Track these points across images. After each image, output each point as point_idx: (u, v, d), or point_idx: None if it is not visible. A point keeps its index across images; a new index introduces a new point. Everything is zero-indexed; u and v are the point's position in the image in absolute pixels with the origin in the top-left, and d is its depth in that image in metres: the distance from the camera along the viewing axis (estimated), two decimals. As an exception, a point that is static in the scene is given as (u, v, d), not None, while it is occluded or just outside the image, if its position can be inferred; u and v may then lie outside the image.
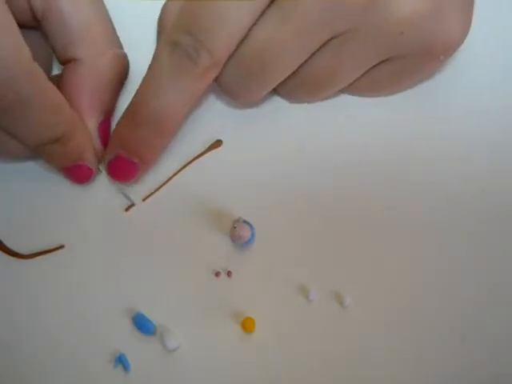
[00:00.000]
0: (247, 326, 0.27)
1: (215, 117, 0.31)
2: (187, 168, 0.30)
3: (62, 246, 0.28)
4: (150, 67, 0.25)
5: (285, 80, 0.27)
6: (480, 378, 0.27)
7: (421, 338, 0.27)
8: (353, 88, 0.29)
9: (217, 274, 0.28)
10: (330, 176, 0.29)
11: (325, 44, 0.25)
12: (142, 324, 0.27)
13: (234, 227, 0.27)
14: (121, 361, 0.26)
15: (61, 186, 0.29)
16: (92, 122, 0.28)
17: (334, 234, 0.29)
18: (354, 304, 0.27)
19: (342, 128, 0.30)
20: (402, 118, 0.30)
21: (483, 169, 0.29)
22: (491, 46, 0.31)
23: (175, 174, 0.30)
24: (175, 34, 0.24)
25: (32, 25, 0.28)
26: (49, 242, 0.28)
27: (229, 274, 0.28)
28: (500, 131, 0.30)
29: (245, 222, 0.27)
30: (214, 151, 0.30)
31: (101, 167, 0.29)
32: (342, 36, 0.25)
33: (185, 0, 0.24)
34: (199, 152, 0.30)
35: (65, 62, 0.28)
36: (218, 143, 0.30)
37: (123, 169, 0.27)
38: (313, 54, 0.26)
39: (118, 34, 0.29)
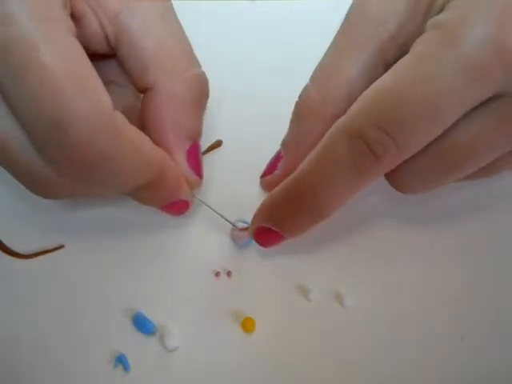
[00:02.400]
0: (247, 326, 0.27)
1: (215, 117, 0.31)
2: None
3: (61, 246, 0.28)
4: (321, 155, 0.23)
5: (409, 163, 0.23)
6: (480, 378, 0.27)
7: (421, 338, 0.27)
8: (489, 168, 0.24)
9: (217, 274, 0.28)
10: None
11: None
12: (142, 324, 0.27)
13: (235, 228, 0.27)
14: (121, 361, 0.26)
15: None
16: (180, 153, 0.26)
17: (334, 233, 0.29)
18: (354, 304, 0.27)
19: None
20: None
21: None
22: None
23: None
24: (361, 126, 0.22)
25: (107, 52, 0.26)
26: (49, 242, 0.28)
27: (229, 274, 0.28)
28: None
29: (245, 222, 0.27)
30: (214, 151, 0.30)
31: (195, 194, 0.28)
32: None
33: (375, 91, 0.22)
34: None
35: (143, 90, 0.26)
36: (218, 143, 0.30)
37: (270, 238, 0.26)
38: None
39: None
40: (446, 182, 0.24)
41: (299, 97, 0.26)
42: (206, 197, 0.29)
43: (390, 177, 0.24)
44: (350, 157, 0.22)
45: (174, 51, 0.25)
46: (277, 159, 0.28)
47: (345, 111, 0.23)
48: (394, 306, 0.27)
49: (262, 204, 0.26)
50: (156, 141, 0.24)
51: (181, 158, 0.26)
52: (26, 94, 0.20)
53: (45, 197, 0.24)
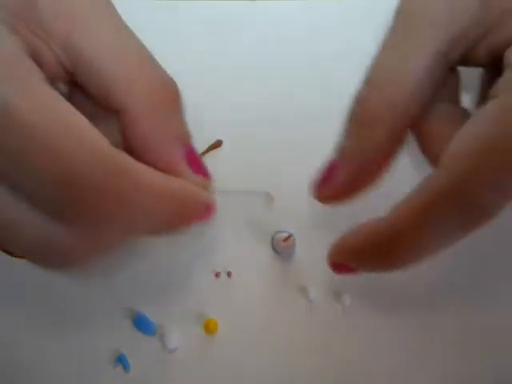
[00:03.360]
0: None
1: (215, 117, 0.31)
2: (187, 168, 0.30)
3: (61, 246, 0.28)
4: (425, 210, 0.21)
5: None
6: (480, 379, 0.27)
7: (421, 338, 0.27)
8: None
9: (217, 274, 0.28)
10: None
11: None
12: (142, 324, 0.27)
13: (279, 240, 0.27)
14: (121, 361, 0.26)
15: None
16: (180, 163, 0.24)
17: (335, 234, 0.29)
18: (354, 304, 0.27)
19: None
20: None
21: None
22: None
23: (175, 173, 0.30)
24: (473, 186, 0.20)
25: (68, 82, 0.23)
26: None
27: (229, 274, 0.28)
28: None
29: (285, 232, 0.27)
30: (214, 151, 0.30)
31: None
32: None
33: (478, 142, 0.20)
34: (199, 152, 0.30)
35: (118, 114, 0.23)
36: (217, 143, 0.30)
37: (347, 271, 0.24)
38: None
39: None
40: None
41: (357, 103, 0.24)
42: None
43: None
44: (460, 217, 0.20)
45: (133, 64, 0.23)
46: (331, 168, 0.25)
47: (411, 119, 0.22)
48: (393, 305, 0.27)
49: (346, 240, 0.24)
50: (150, 161, 0.22)
51: (183, 167, 0.24)
52: (15, 157, 0.18)
53: (63, 267, 0.23)
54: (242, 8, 0.34)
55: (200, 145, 0.30)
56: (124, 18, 0.28)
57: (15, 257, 0.28)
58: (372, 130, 0.24)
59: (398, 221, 0.22)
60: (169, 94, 0.24)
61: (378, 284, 0.28)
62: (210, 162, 0.30)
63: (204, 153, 0.30)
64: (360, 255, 0.23)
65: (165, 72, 0.24)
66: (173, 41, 0.33)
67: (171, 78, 0.24)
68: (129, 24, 0.28)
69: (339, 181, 0.25)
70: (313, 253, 0.28)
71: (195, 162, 0.25)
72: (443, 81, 0.24)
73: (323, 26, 0.34)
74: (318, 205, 0.29)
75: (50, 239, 0.20)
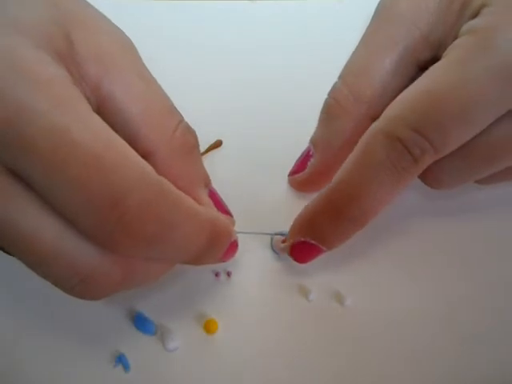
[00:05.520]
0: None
1: (215, 117, 0.31)
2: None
3: (62, 246, 0.28)
4: (360, 160, 0.23)
5: (441, 161, 0.24)
6: (480, 378, 0.27)
7: (421, 338, 0.27)
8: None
9: (217, 274, 0.28)
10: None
11: None
12: (142, 324, 0.27)
13: (277, 241, 0.27)
14: (121, 361, 0.26)
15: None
16: (209, 204, 0.25)
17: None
18: (354, 304, 0.27)
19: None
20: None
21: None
22: None
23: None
24: (398, 129, 0.22)
25: None
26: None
27: (229, 274, 0.28)
28: None
29: (283, 234, 0.27)
30: (214, 151, 0.30)
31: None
32: None
33: (412, 94, 0.22)
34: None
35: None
36: (217, 143, 0.30)
37: (307, 252, 0.26)
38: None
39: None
40: (477, 178, 0.25)
41: (329, 95, 0.26)
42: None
43: (422, 174, 0.24)
44: (389, 160, 0.22)
45: (159, 111, 0.23)
46: (306, 157, 0.27)
47: (377, 110, 0.23)
48: (393, 306, 0.27)
49: (298, 217, 0.25)
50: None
51: (210, 206, 0.25)
52: (68, 181, 0.18)
53: (87, 295, 0.21)
54: (242, 8, 0.34)
55: (200, 145, 0.30)
56: (124, 18, 0.29)
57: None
58: (340, 120, 0.26)
59: (339, 178, 0.24)
60: (193, 141, 0.24)
61: (378, 284, 0.28)
62: (210, 162, 0.30)
63: (204, 153, 0.30)
64: (318, 221, 0.24)
65: (185, 121, 0.24)
66: (173, 41, 0.33)
67: (190, 126, 0.25)
68: (129, 25, 0.28)
69: (311, 168, 0.27)
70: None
71: (218, 202, 0.26)
72: (412, 78, 0.25)
73: (323, 26, 0.34)
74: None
75: (80, 265, 0.20)
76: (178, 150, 0.24)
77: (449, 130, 0.21)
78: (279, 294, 0.28)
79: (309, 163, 0.27)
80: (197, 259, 0.23)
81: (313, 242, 0.25)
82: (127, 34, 0.27)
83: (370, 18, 0.26)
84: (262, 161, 0.30)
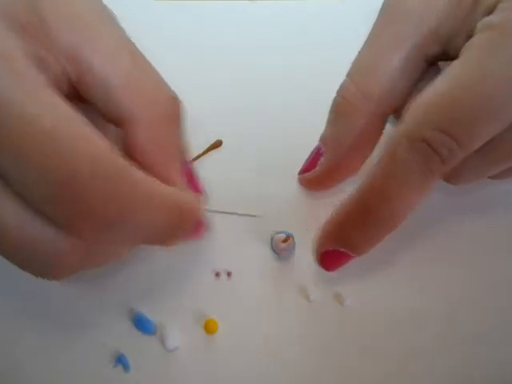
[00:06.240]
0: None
1: (215, 117, 0.31)
2: (187, 168, 0.30)
3: (61, 246, 0.28)
4: (388, 163, 0.23)
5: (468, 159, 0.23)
6: (480, 378, 0.27)
7: (421, 338, 0.27)
8: None
9: (217, 274, 0.28)
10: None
11: None
12: (142, 324, 0.27)
13: (278, 241, 0.27)
14: (121, 361, 0.26)
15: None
16: (178, 177, 0.24)
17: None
18: (354, 304, 0.27)
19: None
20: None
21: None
22: None
23: (175, 174, 0.30)
24: (424, 131, 0.22)
25: (70, 94, 0.23)
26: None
27: (229, 274, 0.28)
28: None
29: (283, 233, 0.27)
30: (213, 151, 0.30)
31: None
32: None
33: (434, 95, 0.22)
34: (199, 152, 0.30)
35: (117, 124, 0.23)
36: (218, 143, 0.30)
37: (336, 260, 0.25)
38: None
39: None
40: (495, 173, 0.25)
41: (338, 93, 0.26)
42: (207, 196, 0.29)
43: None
44: (417, 162, 0.22)
45: (142, 79, 0.23)
46: (316, 156, 0.27)
47: (386, 107, 0.24)
48: (393, 306, 0.27)
49: (325, 225, 0.25)
50: (147, 172, 0.22)
51: (179, 181, 0.24)
52: (17, 159, 0.18)
53: (50, 275, 0.22)
54: (242, 8, 0.34)
55: (200, 145, 0.30)
56: (124, 18, 0.28)
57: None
58: (349, 118, 0.26)
59: (368, 183, 0.23)
60: (172, 109, 0.24)
61: (378, 284, 0.28)
62: (210, 162, 0.30)
63: (204, 153, 0.30)
64: (347, 228, 0.24)
65: (169, 88, 0.24)
66: (173, 41, 0.33)
67: (175, 94, 0.24)
68: (129, 24, 0.28)
69: (322, 166, 0.27)
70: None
71: (191, 178, 0.25)
72: (421, 74, 0.25)
73: (323, 26, 0.34)
74: (317, 205, 0.29)
75: (40, 245, 0.20)
76: (159, 118, 0.23)
77: (474, 127, 0.21)
78: (279, 294, 0.28)
79: (319, 162, 0.27)
80: (160, 241, 0.23)
81: (342, 249, 0.25)
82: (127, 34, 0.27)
83: (371, 17, 0.26)
84: (262, 161, 0.30)
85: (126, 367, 0.26)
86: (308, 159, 0.28)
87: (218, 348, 0.27)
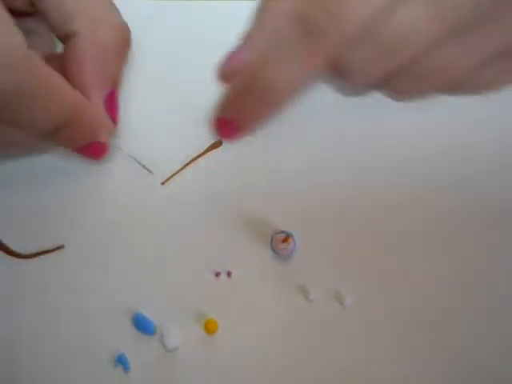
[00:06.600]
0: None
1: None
2: (187, 168, 0.30)
3: (61, 246, 0.28)
4: (269, 38, 0.24)
5: (399, 72, 0.25)
6: (480, 378, 0.27)
7: (421, 338, 0.27)
8: (464, 84, 0.27)
9: (217, 274, 0.28)
10: (329, 174, 0.30)
11: (461, 32, 0.24)
12: (142, 324, 0.27)
13: (277, 240, 0.27)
14: (121, 361, 0.26)
15: (61, 186, 0.29)
16: (99, 97, 0.27)
17: (334, 234, 0.29)
18: (354, 304, 0.27)
19: (342, 123, 0.30)
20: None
21: None
22: None
23: (175, 174, 0.30)
24: (304, 8, 0.23)
25: (26, 10, 0.27)
26: (49, 242, 0.28)
27: (229, 274, 0.28)
28: None
29: (283, 233, 0.27)
30: (213, 151, 0.30)
31: (117, 144, 0.29)
32: (480, 24, 0.23)
33: None
34: (199, 152, 0.30)
35: (65, 38, 0.27)
36: (218, 143, 0.30)
37: (226, 130, 0.27)
38: (446, 42, 0.24)
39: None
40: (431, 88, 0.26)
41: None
42: (206, 197, 0.29)
43: (386, 86, 0.26)
44: (299, 38, 0.23)
45: (95, 1, 0.26)
46: (237, 50, 0.28)
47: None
48: (394, 305, 0.27)
49: (222, 96, 0.27)
50: (76, 85, 0.25)
51: (99, 102, 0.27)
52: None
53: None
54: (242, 8, 0.34)
55: (200, 145, 0.30)
56: (124, 18, 0.29)
57: (18, 258, 0.28)
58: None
59: (254, 56, 0.25)
60: (122, 37, 0.27)
61: (378, 284, 0.28)
62: (210, 162, 0.30)
63: (204, 153, 0.30)
64: (234, 99, 0.26)
65: (121, 17, 0.27)
66: (172, 40, 0.33)
67: (127, 25, 0.28)
68: (129, 24, 0.29)
69: (244, 57, 0.27)
70: (312, 253, 0.28)
71: (112, 105, 0.28)
72: None
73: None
74: (318, 205, 0.29)
75: None
76: (103, 40, 0.26)
77: (351, 5, 0.22)
78: (279, 294, 0.28)
79: (237, 57, 0.27)
80: (52, 134, 0.25)
81: (229, 118, 0.26)
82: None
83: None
84: (262, 161, 0.30)
85: (125, 367, 0.26)
86: (227, 55, 0.28)
87: (218, 348, 0.27)
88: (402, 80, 0.26)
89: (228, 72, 0.28)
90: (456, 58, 0.25)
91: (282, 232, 0.27)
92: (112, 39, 0.27)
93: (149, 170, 0.29)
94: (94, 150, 0.27)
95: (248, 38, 0.28)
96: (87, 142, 0.27)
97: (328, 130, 0.31)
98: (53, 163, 0.30)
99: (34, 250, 0.28)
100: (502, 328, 0.27)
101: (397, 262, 0.28)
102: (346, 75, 0.26)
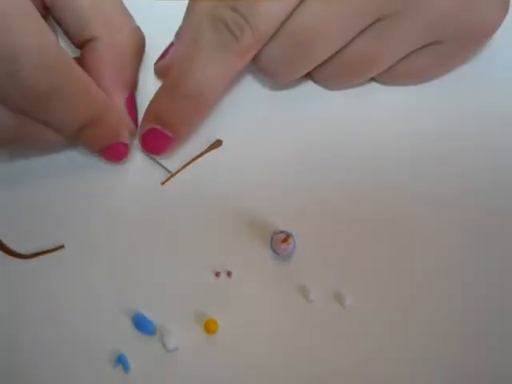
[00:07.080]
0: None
1: (215, 117, 0.31)
2: (187, 168, 0.30)
3: (61, 246, 0.28)
4: (191, 42, 0.26)
5: (323, 64, 0.27)
6: (480, 378, 0.26)
7: (421, 338, 0.27)
8: (388, 75, 0.29)
9: (217, 274, 0.28)
10: (329, 174, 0.30)
11: (368, 26, 0.25)
12: (142, 324, 0.27)
13: (277, 240, 0.27)
14: (121, 361, 0.26)
15: (61, 186, 0.29)
16: (119, 99, 0.28)
17: (334, 234, 0.29)
18: (354, 304, 0.27)
19: (341, 123, 0.30)
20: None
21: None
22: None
23: (174, 174, 0.30)
24: (219, 10, 0.24)
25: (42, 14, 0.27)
26: (49, 242, 0.28)
27: (229, 274, 0.28)
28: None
29: (283, 233, 0.27)
30: (214, 151, 0.30)
31: (135, 144, 0.29)
32: (387, 19, 0.25)
33: None
34: (199, 152, 0.30)
35: (82, 45, 0.28)
36: (218, 143, 0.30)
37: (157, 141, 0.28)
38: (355, 36, 0.26)
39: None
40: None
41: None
42: (206, 197, 0.29)
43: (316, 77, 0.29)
44: (214, 39, 0.25)
45: (111, 8, 0.27)
46: (170, 47, 0.29)
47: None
48: (394, 305, 0.27)
49: (148, 106, 0.28)
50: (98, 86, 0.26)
51: (120, 101, 0.28)
52: None
53: None
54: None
55: (200, 145, 0.30)
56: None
57: (18, 258, 0.28)
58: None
59: (175, 71, 0.27)
60: (137, 42, 0.29)
61: (378, 284, 0.28)
62: (210, 162, 0.30)
63: (204, 153, 0.30)
64: (161, 105, 0.27)
65: (135, 21, 0.29)
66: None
67: (141, 30, 0.29)
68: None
69: (170, 56, 0.29)
70: (312, 253, 0.28)
71: (132, 108, 0.29)
72: None
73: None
74: (318, 205, 0.29)
75: None
76: (120, 45, 0.27)
77: (260, 6, 0.23)
78: (279, 294, 0.28)
79: (170, 51, 0.29)
80: (77, 133, 0.26)
81: (158, 127, 0.27)
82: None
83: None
84: (263, 161, 0.30)
85: (125, 367, 0.26)
86: (164, 51, 0.30)
87: (218, 348, 0.27)
88: (325, 70, 0.28)
89: (160, 67, 0.30)
90: (372, 48, 0.26)
91: (282, 232, 0.27)
92: (128, 43, 0.28)
93: (168, 171, 0.29)
94: (116, 150, 0.28)
95: (177, 36, 0.29)
96: (110, 143, 0.27)
97: (328, 130, 0.31)
98: (53, 163, 0.30)
99: (34, 250, 0.28)
100: (502, 328, 0.27)
101: (397, 262, 0.28)
102: (268, 73, 0.28)
